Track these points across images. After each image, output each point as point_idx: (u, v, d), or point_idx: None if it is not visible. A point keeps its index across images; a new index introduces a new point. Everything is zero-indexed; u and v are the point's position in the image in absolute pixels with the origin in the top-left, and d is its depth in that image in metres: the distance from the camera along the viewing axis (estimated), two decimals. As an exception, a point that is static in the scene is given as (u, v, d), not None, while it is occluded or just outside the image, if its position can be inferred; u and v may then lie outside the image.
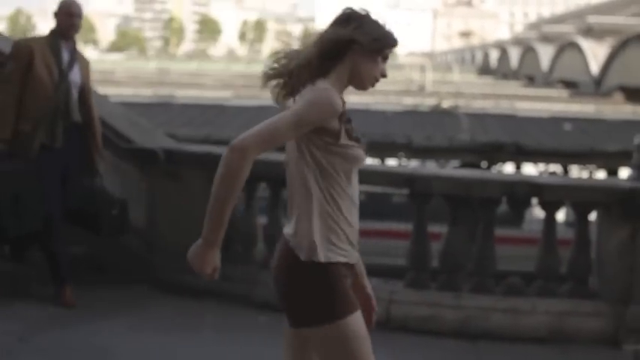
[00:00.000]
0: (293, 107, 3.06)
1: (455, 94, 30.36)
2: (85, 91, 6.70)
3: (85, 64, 6.82)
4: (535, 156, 17.27)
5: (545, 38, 70.53)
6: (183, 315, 6.77)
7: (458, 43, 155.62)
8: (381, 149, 15.89)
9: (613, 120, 21.24)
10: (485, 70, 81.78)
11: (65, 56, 6.62)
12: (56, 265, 6.69)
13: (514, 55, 71.91)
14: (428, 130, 18.73)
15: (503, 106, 27.17)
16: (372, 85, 3.31)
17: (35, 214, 6.37)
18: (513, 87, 45.11)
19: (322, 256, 3.09)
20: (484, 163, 18.17)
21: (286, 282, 3.16)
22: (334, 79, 3.15)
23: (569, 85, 52.68)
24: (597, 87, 46.78)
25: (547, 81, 57.07)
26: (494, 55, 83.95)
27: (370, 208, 17.14)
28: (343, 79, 3.18)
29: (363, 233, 12.80)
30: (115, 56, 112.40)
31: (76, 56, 6.70)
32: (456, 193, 6.89)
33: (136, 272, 7.45)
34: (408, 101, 26.23)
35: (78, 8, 6.72)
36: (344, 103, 3.14)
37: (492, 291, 6.85)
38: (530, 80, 61.40)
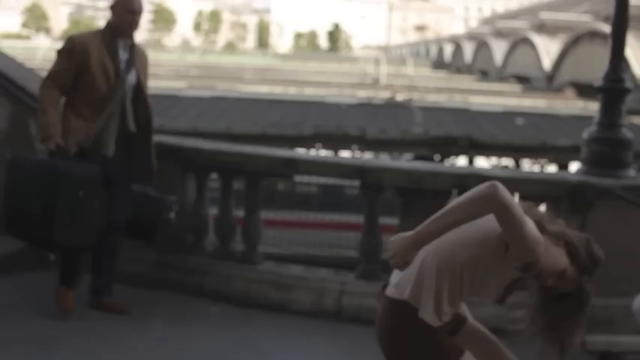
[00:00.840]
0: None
1: (409, 87, 30.49)
2: (140, 89, 6.22)
3: (143, 61, 6.31)
4: (487, 149, 17.43)
5: (499, 33, 71.18)
6: (134, 304, 6.72)
7: (413, 36, 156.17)
8: (334, 141, 15.93)
9: (564, 115, 21.49)
10: (439, 64, 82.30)
11: (123, 57, 6.11)
12: (103, 275, 6.35)
13: (468, 49, 72.47)
14: (381, 123, 18.79)
15: (457, 100, 27.37)
16: None
17: (94, 226, 5.90)
18: (467, 81, 45.45)
19: (440, 320, 3.23)
20: (437, 157, 18.29)
21: (400, 343, 3.34)
22: None
23: (522, 80, 53.21)
24: (549, 82, 47.30)
25: (500, 76, 57.57)
26: (448, 50, 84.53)
27: (324, 200, 17.20)
28: None
29: (317, 225, 12.91)
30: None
31: (134, 56, 6.18)
32: (407, 185, 6.92)
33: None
34: (363, 94, 26.28)
35: (140, 5, 6.18)
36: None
37: None
38: (484, 75, 61.91)
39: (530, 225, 3.09)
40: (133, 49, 6.19)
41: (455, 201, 3.14)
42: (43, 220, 5.76)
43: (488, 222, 3.14)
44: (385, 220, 7.29)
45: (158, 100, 20.77)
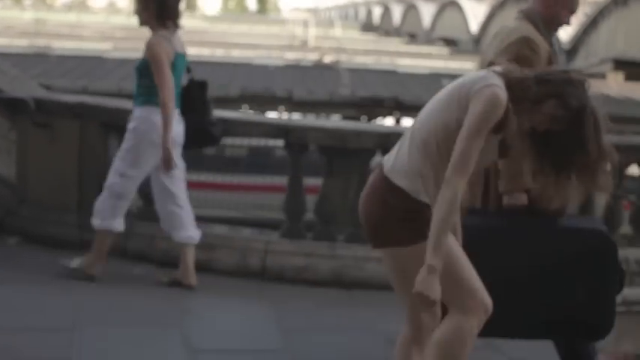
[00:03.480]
0: None
1: (337, 49, 30.49)
2: None
3: None
4: (414, 110, 17.43)
5: (427, -4, 71.40)
6: (56, 268, 6.65)
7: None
8: (261, 103, 15.87)
9: (490, 77, 21.67)
10: (368, 26, 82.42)
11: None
12: None
13: (397, 12, 72.64)
14: (309, 85, 18.77)
15: (385, 63, 27.43)
16: None
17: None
18: (395, 44, 45.63)
19: (414, 191, 3.29)
20: (364, 118, 18.36)
21: (376, 207, 3.37)
22: None
23: (450, 42, 53.63)
24: (476, 45, 47.74)
25: (428, 38, 57.92)
26: (377, 12, 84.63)
27: (252, 162, 17.16)
28: None
29: (245, 188, 12.88)
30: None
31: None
32: (331, 144, 6.93)
33: (7, 225, 7.27)
34: (291, 56, 26.18)
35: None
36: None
37: (366, 241, 6.94)
38: (412, 38, 62.19)
39: (473, 113, 3.15)
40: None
41: (438, 216, 3.16)
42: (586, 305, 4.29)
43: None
44: (310, 181, 7.32)
45: (83, 61, 20.47)
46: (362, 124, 8.35)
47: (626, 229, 7.63)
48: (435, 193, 3.24)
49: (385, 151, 7.36)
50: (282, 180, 7.29)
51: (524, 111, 3.20)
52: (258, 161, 17.09)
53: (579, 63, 33.47)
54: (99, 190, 7.16)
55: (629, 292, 7.18)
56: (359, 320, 5.78)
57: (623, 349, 4.94)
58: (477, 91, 3.17)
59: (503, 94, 3.16)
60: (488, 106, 3.13)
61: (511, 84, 3.20)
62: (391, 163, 3.36)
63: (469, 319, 3.33)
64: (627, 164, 7.59)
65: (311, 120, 7.49)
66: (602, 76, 28.09)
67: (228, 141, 16.27)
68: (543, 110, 3.18)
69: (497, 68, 3.30)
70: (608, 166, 3.29)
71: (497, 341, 5.77)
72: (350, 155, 6.77)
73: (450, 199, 3.14)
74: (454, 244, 3.39)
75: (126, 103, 7.79)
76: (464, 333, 3.32)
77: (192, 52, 26.07)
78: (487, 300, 3.38)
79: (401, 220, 3.31)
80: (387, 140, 6.89)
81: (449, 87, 3.36)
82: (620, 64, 31.18)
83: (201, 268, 6.82)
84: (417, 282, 3.12)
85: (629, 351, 5.41)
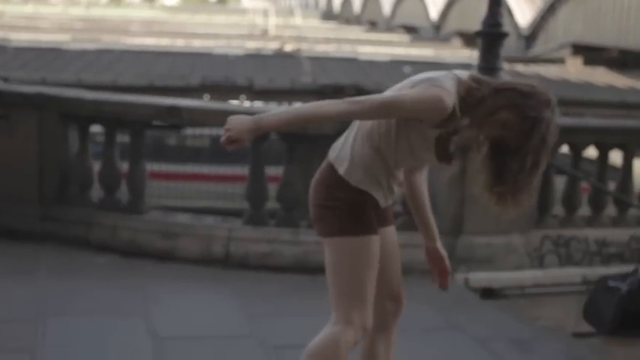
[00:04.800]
0: None
1: (298, 38, 30.44)
2: None
3: None
4: (375, 97, 17.56)
5: (387, -16, 71.45)
6: (19, 258, 6.62)
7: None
8: (222, 92, 15.82)
9: (450, 63, 21.79)
10: (328, 15, 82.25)
11: None
12: None
13: (357, 0, 72.60)
14: (270, 73, 18.74)
15: (346, 50, 27.45)
16: None
17: None
18: (356, 32, 45.62)
19: (355, 180, 3.22)
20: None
21: (318, 193, 3.29)
22: None
23: (410, 30, 53.74)
24: (436, 32, 47.95)
25: (389, 26, 57.97)
26: (337, 1, 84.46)
27: (214, 152, 17.11)
28: None
29: (207, 177, 12.83)
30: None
31: None
32: (291, 131, 6.94)
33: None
34: (251, 45, 26.09)
35: None
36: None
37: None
38: (373, 25, 62.21)
39: (412, 94, 3.04)
40: None
41: (320, 105, 3.01)
42: None
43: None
44: (272, 171, 7.33)
45: (41, 53, 20.27)
46: (323, 111, 8.32)
47: (585, 210, 7.75)
48: (378, 183, 3.22)
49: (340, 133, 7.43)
50: (244, 170, 7.28)
51: (477, 121, 3.05)
52: (220, 151, 17.06)
53: (538, 48, 33.73)
54: (60, 181, 7.14)
55: (589, 272, 7.32)
56: (323, 305, 5.79)
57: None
58: (424, 87, 3.06)
59: (449, 100, 3.03)
60: (426, 104, 3.02)
61: (467, 93, 3.07)
62: (337, 151, 3.28)
63: (348, 332, 3.23)
64: (585, 146, 7.71)
65: (272, 107, 7.50)
66: (561, 61, 28.34)
67: (189, 131, 16.24)
68: (496, 118, 3.00)
69: (462, 74, 3.18)
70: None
71: (461, 321, 5.87)
72: (310, 141, 6.78)
73: (334, 109, 2.99)
74: (374, 254, 3.28)
75: (85, 93, 7.77)
76: (340, 345, 3.23)
77: (152, 42, 25.77)
78: (369, 320, 3.29)
79: (343, 210, 3.23)
80: (347, 127, 6.93)
81: (403, 82, 3.23)
82: (579, 49, 31.46)
83: (165, 256, 6.83)
84: (234, 118, 2.96)
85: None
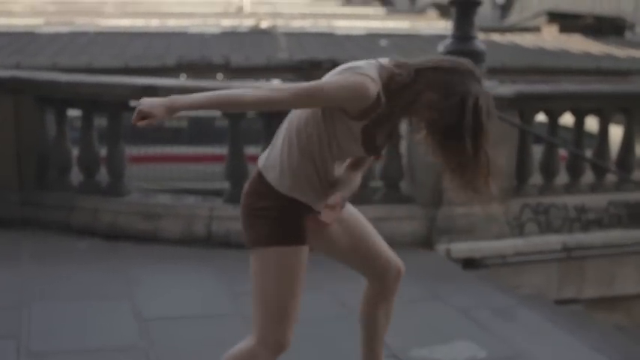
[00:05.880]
0: None
1: (273, 14, 30.29)
2: None
3: None
4: (352, 71, 17.51)
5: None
6: (0, 245, 6.61)
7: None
8: (198, 71, 15.74)
9: (426, 35, 21.73)
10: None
11: None
12: None
13: (331, -26, 72.26)
14: (246, 51, 18.62)
15: (322, 25, 27.34)
16: None
17: None
18: (331, 6, 45.39)
19: (286, 188, 3.07)
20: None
21: (247, 202, 3.14)
22: None
23: (386, 3, 53.63)
24: (412, 4, 47.86)
25: (364, 0, 57.84)
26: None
27: (194, 132, 17.07)
28: None
29: (187, 159, 12.71)
30: None
31: None
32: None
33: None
34: (227, 23, 25.91)
35: None
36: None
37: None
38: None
39: (335, 80, 2.91)
40: None
41: (243, 93, 2.88)
42: None
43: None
44: (251, 150, 7.32)
45: (15, 37, 20.06)
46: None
47: (563, 177, 7.80)
48: (309, 187, 3.09)
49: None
50: (223, 149, 7.28)
51: (403, 107, 2.96)
52: (199, 131, 17.00)
53: (514, 17, 33.73)
54: (39, 165, 7.11)
55: (569, 239, 7.39)
56: (307, 281, 5.83)
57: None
58: (347, 75, 2.92)
59: (372, 88, 2.90)
60: (348, 90, 2.89)
61: (389, 79, 2.95)
62: (265, 157, 3.15)
63: (262, 353, 3.15)
64: (562, 112, 7.75)
65: (248, 84, 7.47)
66: (537, 29, 28.32)
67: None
68: (422, 101, 2.90)
69: (384, 60, 3.04)
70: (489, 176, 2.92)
71: (444, 293, 5.92)
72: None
73: (252, 95, 2.88)
74: (301, 265, 3.13)
75: (61, 76, 7.72)
76: None
77: (127, 23, 25.49)
78: (285, 341, 3.15)
79: (274, 218, 3.08)
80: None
81: (330, 72, 3.05)
82: (554, 17, 31.47)
83: (147, 237, 6.84)
84: (148, 99, 2.84)
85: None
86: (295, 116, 3.09)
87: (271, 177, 3.08)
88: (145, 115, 2.82)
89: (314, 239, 3.21)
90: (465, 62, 2.97)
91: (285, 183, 3.07)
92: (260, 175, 3.12)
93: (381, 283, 3.50)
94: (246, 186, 3.21)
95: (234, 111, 2.92)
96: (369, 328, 3.60)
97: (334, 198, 3.26)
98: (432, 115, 2.90)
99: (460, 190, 2.98)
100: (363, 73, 2.91)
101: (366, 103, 2.92)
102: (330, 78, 2.96)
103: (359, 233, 3.40)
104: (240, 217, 3.20)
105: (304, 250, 3.13)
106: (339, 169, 3.22)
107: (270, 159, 3.12)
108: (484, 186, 2.93)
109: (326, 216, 3.27)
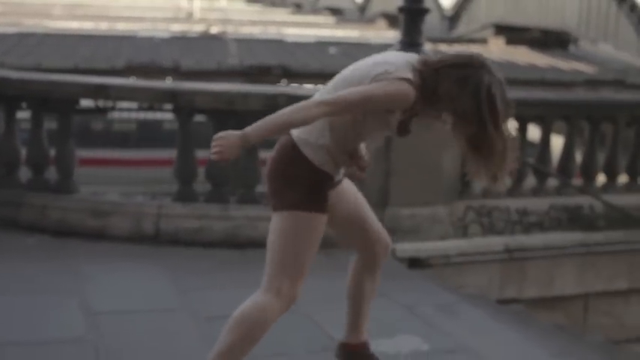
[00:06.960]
0: None
1: (223, 21, 30.22)
2: None
3: None
4: (301, 77, 17.59)
5: (311, -34, 71.36)
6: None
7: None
8: (147, 74, 15.71)
9: (375, 43, 21.91)
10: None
11: None
12: None
13: (282, -18, 72.38)
14: (196, 55, 18.63)
15: (272, 32, 27.40)
16: None
17: None
18: (281, 14, 45.48)
19: (319, 162, 3.36)
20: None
21: (278, 169, 3.40)
22: None
23: (336, 12, 53.85)
24: (362, 14, 48.13)
25: (314, 8, 57.95)
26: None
27: (142, 136, 17.01)
28: None
29: (135, 163, 12.68)
30: None
31: None
32: (218, 107, 7.02)
33: None
34: (177, 28, 25.85)
35: None
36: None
37: (259, 202, 7.09)
38: (298, 8, 62.11)
39: (383, 89, 3.22)
40: None
41: (289, 110, 3.20)
42: None
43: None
44: (201, 154, 7.37)
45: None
46: (249, 87, 8.41)
47: (506, 182, 7.96)
48: (336, 163, 3.41)
49: (273, 112, 7.51)
50: (172, 154, 7.32)
51: (430, 102, 3.30)
52: (147, 135, 16.95)
53: (462, 29, 34.10)
54: (4, 165, 7.09)
55: (511, 241, 7.57)
56: (253, 277, 5.87)
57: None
58: (388, 80, 3.23)
59: (413, 94, 3.23)
60: (396, 98, 3.23)
61: (421, 80, 3.27)
62: (298, 131, 3.38)
63: (275, 304, 3.36)
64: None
65: (198, 84, 7.51)
66: (484, 41, 28.67)
67: (116, 115, 16.10)
68: (442, 95, 3.25)
69: (412, 59, 3.34)
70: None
71: (390, 289, 6.02)
72: (238, 118, 6.84)
73: (314, 113, 3.21)
74: (319, 233, 3.43)
75: (11, 72, 7.71)
76: (267, 315, 3.36)
77: (75, 26, 25.26)
78: (297, 292, 3.41)
79: (302, 186, 3.36)
80: (275, 102, 7.02)
81: (359, 64, 3.40)
82: (501, 29, 31.87)
83: (96, 234, 6.86)
84: (222, 135, 3.17)
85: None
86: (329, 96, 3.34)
87: (306, 150, 3.35)
88: (224, 157, 3.17)
89: None
90: (476, 56, 3.34)
91: (319, 157, 3.36)
92: (294, 146, 3.36)
93: (370, 253, 3.78)
94: (275, 153, 3.44)
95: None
96: (356, 299, 3.89)
97: (368, 159, 3.65)
98: (453, 106, 3.23)
99: (482, 178, 3.35)
100: (403, 77, 3.23)
101: (407, 106, 3.27)
102: (372, 81, 3.25)
103: (353, 202, 3.69)
104: (268, 183, 3.45)
105: (325, 219, 3.43)
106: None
107: (303, 134, 3.36)
108: (501, 172, 3.29)
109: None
